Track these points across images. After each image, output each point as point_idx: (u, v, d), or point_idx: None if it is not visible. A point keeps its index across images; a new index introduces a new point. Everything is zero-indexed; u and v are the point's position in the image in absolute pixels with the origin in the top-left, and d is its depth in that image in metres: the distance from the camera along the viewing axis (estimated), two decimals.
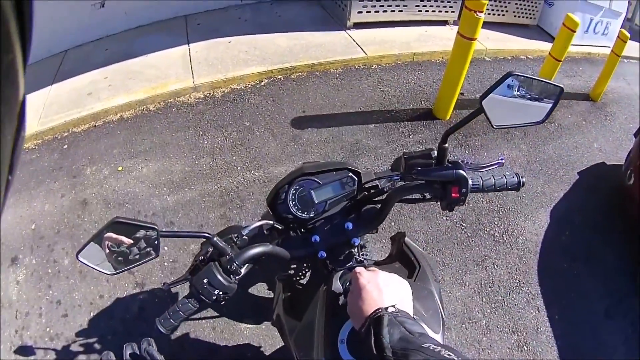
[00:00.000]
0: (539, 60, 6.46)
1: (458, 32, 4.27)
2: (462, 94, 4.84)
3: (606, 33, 8.77)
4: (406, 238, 1.56)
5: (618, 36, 6.16)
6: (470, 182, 1.25)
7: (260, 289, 2.76)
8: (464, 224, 3.75)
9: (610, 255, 3.92)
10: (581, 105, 6.21)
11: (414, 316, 1.06)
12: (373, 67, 5.42)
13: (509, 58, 6.75)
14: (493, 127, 1.29)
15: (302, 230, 1.38)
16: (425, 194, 1.33)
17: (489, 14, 7.09)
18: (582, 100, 6.34)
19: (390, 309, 0.95)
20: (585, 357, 3.09)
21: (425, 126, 4.59)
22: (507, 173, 1.36)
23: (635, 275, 3.82)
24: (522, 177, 1.36)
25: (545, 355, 2.99)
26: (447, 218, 3.76)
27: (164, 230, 1.09)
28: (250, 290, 2.75)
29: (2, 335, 2.58)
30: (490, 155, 4.57)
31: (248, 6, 6.12)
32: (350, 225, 1.32)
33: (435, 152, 1.29)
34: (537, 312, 3.25)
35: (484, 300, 3.23)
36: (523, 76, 1.27)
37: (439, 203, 1.31)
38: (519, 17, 7.87)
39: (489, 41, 6.59)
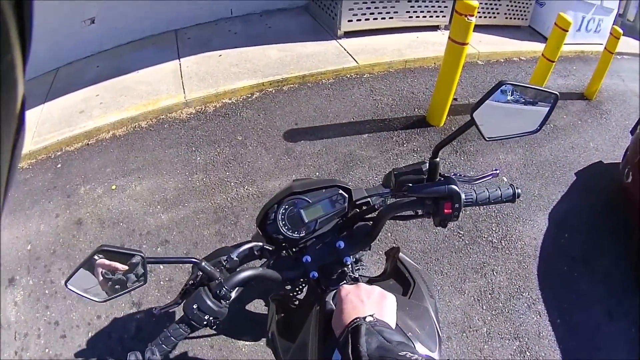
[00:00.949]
0: (533, 61, 6.53)
1: (449, 37, 4.32)
2: (455, 99, 4.92)
3: (599, 30, 8.88)
4: (400, 254, 1.57)
5: (611, 33, 6.25)
6: (463, 196, 1.24)
7: (257, 306, 2.82)
8: (461, 232, 3.79)
9: (611, 256, 3.97)
10: (576, 104, 6.29)
11: (409, 333, 1.13)
12: (365, 76, 5.49)
13: (502, 61, 6.82)
14: (485, 140, 1.28)
15: (293, 250, 1.38)
16: (418, 211, 1.31)
17: (480, 17, 7.16)
18: (577, 99, 6.42)
19: (369, 319, 0.96)
20: (589, 359, 3.12)
21: (419, 134, 4.65)
22: (501, 185, 1.36)
23: (637, 274, 3.85)
24: (517, 188, 1.35)
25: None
26: None
27: (150, 256, 1.12)
28: (247, 307, 2.81)
29: (1, 357, 2.66)
30: (485, 160, 4.61)
31: (238, 19, 6.19)
32: (342, 244, 1.31)
33: (427, 166, 1.29)
34: (538, 316, 3.29)
35: (484, 307, 3.27)
36: (515, 84, 1.25)
37: (431, 219, 1.31)
38: (511, 18, 7.97)
39: (481, 44, 6.68)
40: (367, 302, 1.03)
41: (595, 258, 3.89)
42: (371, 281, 1.50)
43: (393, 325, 1.02)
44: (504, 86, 1.21)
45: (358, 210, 1.41)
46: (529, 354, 3.03)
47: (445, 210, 1.23)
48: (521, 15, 8.05)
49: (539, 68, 5.54)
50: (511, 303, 3.34)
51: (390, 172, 1.34)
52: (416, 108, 4.91)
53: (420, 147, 4.50)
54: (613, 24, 8.14)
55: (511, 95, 1.27)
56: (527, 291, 3.49)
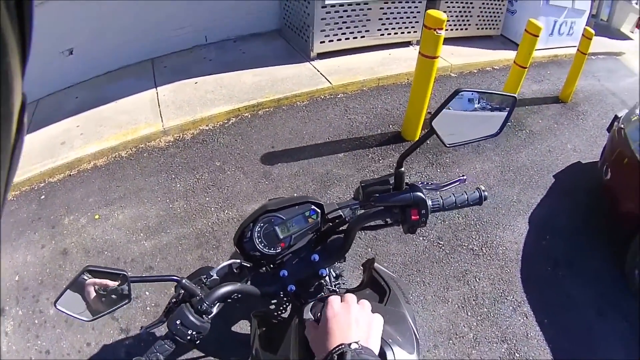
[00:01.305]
0: (506, 70, 6.65)
1: (419, 51, 4.44)
2: (429, 113, 5.01)
3: (571, 33, 9.07)
4: (375, 264, 1.61)
5: (583, 34, 6.40)
6: (430, 202, 1.29)
7: (242, 326, 2.94)
8: (441, 242, 3.91)
9: (594, 255, 4.12)
10: (552, 108, 6.50)
11: (388, 340, 1.16)
12: (339, 96, 5.69)
13: (475, 71, 7.08)
14: (446, 146, 1.33)
15: (271, 266, 1.44)
16: (387, 220, 1.36)
17: (451, 29, 7.51)
18: (552, 103, 6.63)
19: (354, 345, 0.95)
20: (580, 357, 3.22)
21: (394, 149, 4.82)
22: (467, 189, 1.40)
23: (622, 270, 3.97)
24: (484, 191, 1.39)
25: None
26: (424, 238, 3.93)
27: (133, 275, 1.18)
28: (233, 328, 2.93)
29: None
30: (462, 170, 4.77)
31: (213, 45, 6.36)
32: (316, 257, 1.38)
33: (393, 176, 1.34)
34: (525, 318, 3.40)
35: (469, 313, 3.37)
36: (472, 91, 1.30)
37: (401, 227, 1.36)
38: (482, 29, 8.17)
39: (453, 57, 6.94)
40: (355, 328, 1.02)
41: (578, 257, 4.04)
42: (348, 292, 1.48)
43: (377, 350, 1.03)
44: (460, 94, 1.27)
45: (331, 224, 1.47)
46: (518, 355, 3.14)
47: (413, 217, 1.28)
48: (493, 25, 8.25)
49: (512, 75, 5.72)
50: (496, 307, 3.44)
51: (359, 185, 1.39)
52: (391, 124, 5.11)
53: (395, 162, 4.53)
54: (585, 25, 8.17)
55: (469, 102, 1.33)
56: (512, 294, 3.60)
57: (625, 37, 15.34)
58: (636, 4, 17.18)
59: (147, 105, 5.01)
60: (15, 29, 0.34)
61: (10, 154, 0.39)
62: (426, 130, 1.31)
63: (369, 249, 3.71)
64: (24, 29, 0.36)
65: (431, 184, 1.42)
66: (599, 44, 9.87)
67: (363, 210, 1.37)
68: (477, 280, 3.66)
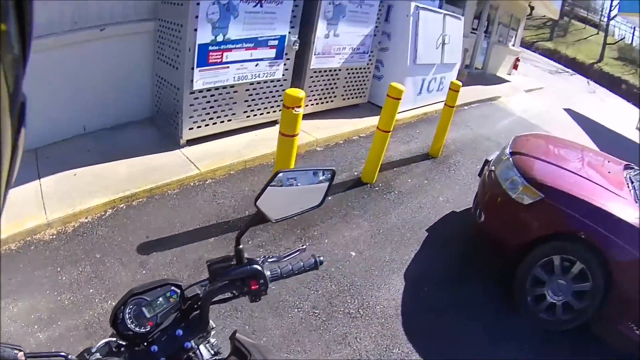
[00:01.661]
0: (372, 136, 7.10)
1: (279, 131, 5.00)
2: None
3: (441, 88, 10.04)
4: (237, 334, 1.81)
5: (450, 87, 7.37)
6: (268, 272, 1.61)
7: None
8: (317, 310, 4.41)
9: (474, 295, 4.88)
10: (421, 165, 7.49)
11: None
12: (207, 182, 6.44)
13: (341, 142, 8.09)
14: (273, 222, 1.64)
15: (144, 344, 1.60)
16: (233, 292, 1.64)
17: (316, 103, 8.30)
18: (421, 160, 7.63)
19: None
20: None
21: (262, 229, 5.46)
22: (303, 257, 1.77)
23: (509, 300, 4.84)
24: (319, 257, 1.77)
25: None
26: (299, 309, 4.42)
27: (29, 352, 1.30)
28: None
29: None
30: (332, 240, 5.43)
31: (91, 135, 6.91)
32: (180, 332, 1.60)
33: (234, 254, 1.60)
34: None
35: None
36: (291, 171, 1.60)
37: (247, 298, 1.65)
38: (349, 98, 9.24)
39: (319, 131, 7.99)
40: None
41: (459, 300, 4.75)
42: None
43: None
44: (280, 174, 1.57)
45: (190, 302, 1.68)
46: None
47: (253, 287, 1.58)
48: (359, 93, 9.17)
49: (376, 141, 6.39)
50: None
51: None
52: None
53: (265, 241, 5.32)
54: (457, 78, 9.28)
55: (288, 180, 1.61)
56: (397, 347, 4.13)
57: (503, 81, 17.64)
58: (512, 45, 19.77)
59: (32, 198, 5.42)
60: (16, 28, 0.40)
61: (11, 153, 0.45)
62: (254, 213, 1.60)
63: (247, 326, 4.18)
64: (24, 27, 0.41)
65: (273, 256, 1.76)
66: (474, 92, 11.08)
67: (212, 286, 1.61)
68: (359, 340, 4.17)
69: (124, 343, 1.61)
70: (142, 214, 5.69)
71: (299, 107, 4.80)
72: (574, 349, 4.76)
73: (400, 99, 6.02)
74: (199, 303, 1.65)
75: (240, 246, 1.65)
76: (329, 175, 1.72)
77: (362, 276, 4.94)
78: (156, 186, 6.06)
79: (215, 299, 1.65)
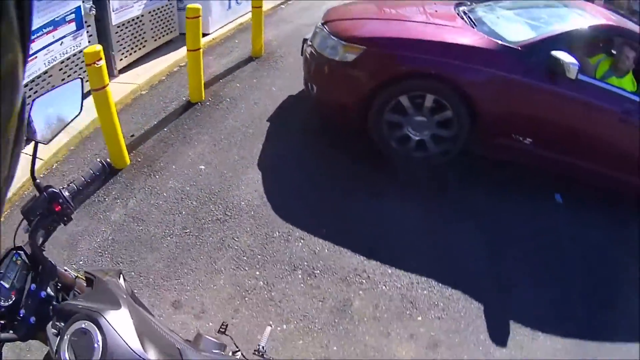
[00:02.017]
0: None
1: (91, 88, 4.60)
2: (132, 135, 5.48)
3: None
4: (85, 269, 1.74)
5: None
6: (67, 193, 1.61)
7: None
8: (187, 230, 4.28)
9: (338, 160, 5.02)
10: (247, 69, 7.31)
11: (97, 311, 1.35)
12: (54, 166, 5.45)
13: (164, 78, 7.41)
14: (45, 144, 1.61)
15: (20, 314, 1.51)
16: (48, 223, 1.60)
17: (130, 54, 7.59)
18: (246, 64, 7.44)
19: None
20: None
21: (113, 182, 4.84)
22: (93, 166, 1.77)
23: (370, 137, 4.91)
24: (104, 159, 1.85)
25: None
26: (171, 236, 4.19)
27: None
28: None
29: None
30: (179, 164, 5.10)
31: None
32: (33, 287, 1.54)
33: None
34: (302, 242, 4.16)
35: (248, 267, 3.91)
36: (43, 94, 1.62)
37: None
38: (159, 38, 8.34)
39: (140, 77, 7.23)
40: None
41: (320, 166, 4.93)
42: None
43: None
44: (33, 101, 1.54)
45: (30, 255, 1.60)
46: (316, 272, 3.85)
47: (57, 209, 1.59)
48: (168, 30, 8.54)
49: (190, 61, 6.23)
50: (268, 248, 4.10)
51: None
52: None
53: (119, 191, 4.74)
54: None
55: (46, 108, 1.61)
56: (276, 230, 4.22)
57: None
58: None
59: None
60: (16, 28, 0.38)
61: (11, 152, 0.43)
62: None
63: (132, 272, 3.85)
64: (24, 27, 0.40)
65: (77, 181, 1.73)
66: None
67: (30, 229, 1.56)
68: (236, 239, 4.12)
69: (2, 322, 1.50)
70: None
71: (100, 59, 4.55)
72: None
73: (198, 16, 5.89)
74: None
75: (38, 181, 1.59)
76: (79, 83, 1.73)
77: (218, 183, 4.82)
78: None
79: (40, 239, 1.57)
